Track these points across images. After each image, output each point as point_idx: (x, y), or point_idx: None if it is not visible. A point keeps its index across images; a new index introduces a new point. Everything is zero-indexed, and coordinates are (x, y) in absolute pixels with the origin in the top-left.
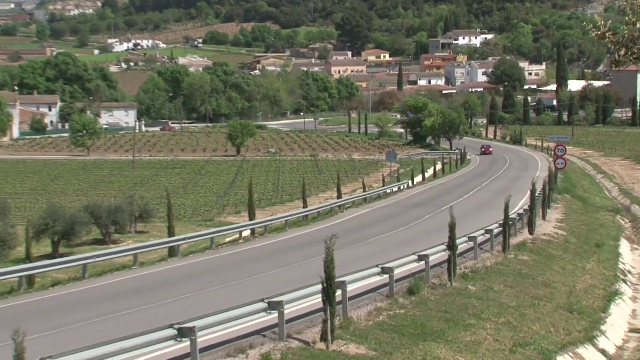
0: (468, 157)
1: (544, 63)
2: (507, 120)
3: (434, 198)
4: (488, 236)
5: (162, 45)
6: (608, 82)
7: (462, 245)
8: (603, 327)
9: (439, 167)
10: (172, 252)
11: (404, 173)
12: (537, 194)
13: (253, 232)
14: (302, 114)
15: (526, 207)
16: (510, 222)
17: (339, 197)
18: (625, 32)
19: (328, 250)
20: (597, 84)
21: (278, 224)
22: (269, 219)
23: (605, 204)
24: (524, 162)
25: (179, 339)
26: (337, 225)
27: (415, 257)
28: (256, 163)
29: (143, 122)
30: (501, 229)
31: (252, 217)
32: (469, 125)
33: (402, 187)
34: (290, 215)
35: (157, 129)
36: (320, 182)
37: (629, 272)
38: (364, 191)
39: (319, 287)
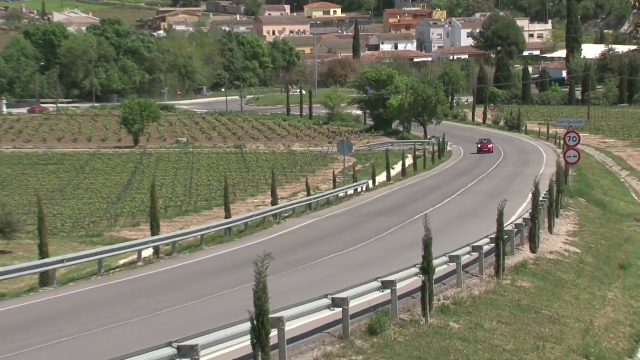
0: (448, 148)
1: (550, 21)
2: (501, 99)
3: (402, 204)
4: (476, 255)
5: None
6: (635, 47)
7: (441, 267)
8: None
9: (409, 161)
10: (45, 280)
11: (363, 170)
12: (541, 198)
13: (157, 251)
14: (223, 90)
15: (527, 216)
16: (506, 237)
17: (274, 203)
18: None
19: (259, 275)
20: (621, 49)
21: (191, 239)
22: (179, 232)
23: (631, 211)
24: (524, 155)
25: None
26: (272, 241)
27: (377, 283)
28: (161, 157)
29: (4, 102)
30: (493, 245)
31: (155, 231)
32: (449, 104)
33: (360, 189)
34: (208, 228)
35: (24, 110)
36: (248, 182)
37: None
38: (308, 195)
39: (247, 325)
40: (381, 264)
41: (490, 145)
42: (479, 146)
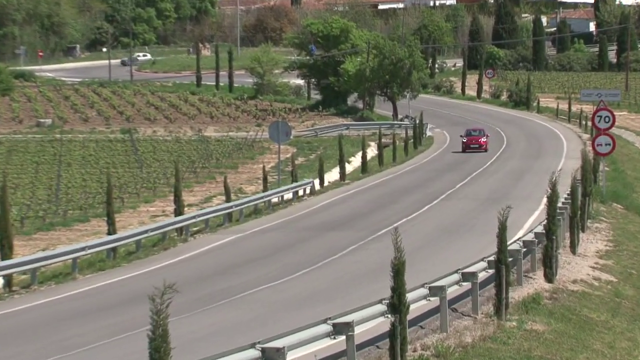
0: (428, 133)
1: None
2: (503, 62)
3: (363, 213)
4: (467, 286)
5: None
6: None
7: (418, 303)
8: None
9: (372, 152)
10: None
11: (306, 164)
12: (559, 204)
13: (8, 282)
14: (104, 49)
15: (539, 230)
16: (510, 259)
17: (179, 212)
18: None
19: (157, 316)
20: None
21: (59, 265)
22: (40, 255)
23: None
24: (535, 142)
25: None
26: (177, 266)
27: (327, 327)
28: (14, 146)
29: None
30: (492, 271)
31: (5, 252)
32: (428, 71)
33: (302, 192)
34: (83, 249)
35: None
36: (141, 182)
37: None
38: (228, 201)
39: None
40: (333, 299)
41: (483, 139)
42: (465, 141)
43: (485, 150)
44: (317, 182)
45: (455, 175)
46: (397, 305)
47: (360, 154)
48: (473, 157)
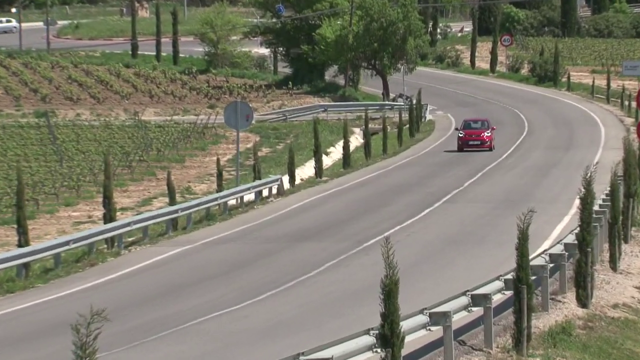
0: (428, 116)
1: None
2: (523, 26)
3: (344, 219)
4: (478, 311)
5: None
6: None
7: (416, 334)
8: None
9: (356, 141)
10: None
11: (272, 157)
12: (596, 208)
13: None
14: (13, 10)
15: (570, 240)
16: (533, 277)
17: (109, 217)
18: None
19: (82, 351)
20: None
21: None
22: None
23: None
24: (565, 128)
25: None
26: (107, 287)
27: None
28: None
29: None
30: (510, 293)
31: None
32: (428, 37)
33: (268, 192)
34: None
35: None
36: (61, 179)
37: None
38: (172, 203)
39: None
40: (306, 329)
41: (486, 133)
42: (462, 135)
43: (490, 149)
44: (286, 179)
45: (463, 170)
46: (388, 336)
47: (341, 143)
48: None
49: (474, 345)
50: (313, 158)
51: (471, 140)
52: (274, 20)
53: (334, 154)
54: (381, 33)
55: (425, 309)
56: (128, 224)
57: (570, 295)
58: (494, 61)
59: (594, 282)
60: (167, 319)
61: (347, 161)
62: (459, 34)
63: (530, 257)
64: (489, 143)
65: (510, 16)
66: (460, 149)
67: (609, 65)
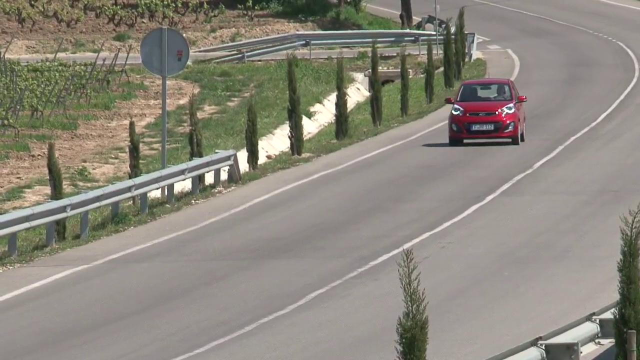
0: (475, 53)
1: None
2: None
3: (335, 222)
4: None
5: None
6: None
7: None
8: None
9: (357, 95)
10: None
11: (219, 120)
12: None
13: None
14: None
15: None
16: None
17: None
18: None
19: None
20: None
21: None
22: None
23: None
24: None
25: None
26: None
27: None
28: None
29: None
30: (609, 342)
31: None
32: None
33: (213, 178)
34: None
35: None
36: None
37: None
38: (57, 197)
39: None
40: None
41: (506, 111)
42: (458, 114)
43: (514, 139)
44: (243, 157)
45: (532, 141)
46: None
47: (333, 98)
48: (567, 110)
49: None
50: (287, 123)
51: (476, 122)
52: None
53: (322, 115)
54: None
55: None
56: None
57: None
58: None
59: None
60: None
61: (342, 128)
62: None
63: None
64: (511, 129)
65: None
66: (455, 138)
67: None
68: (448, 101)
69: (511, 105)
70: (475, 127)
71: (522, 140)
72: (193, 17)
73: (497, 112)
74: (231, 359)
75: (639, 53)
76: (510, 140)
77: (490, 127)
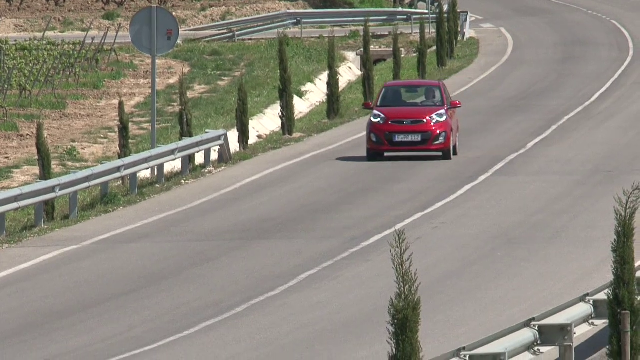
0: (469, 32)
1: None
2: None
3: (327, 202)
4: (549, 352)
5: None
6: None
7: None
8: None
9: (349, 74)
10: None
11: (209, 99)
12: None
13: None
14: None
15: None
16: None
17: None
18: None
19: None
20: None
21: None
22: None
23: None
24: None
25: None
26: None
27: None
28: None
29: None
30: (603, 323)
31: None
32: None
33: (204, 158)
34: None
35: None
36: None
37: None
38: (45, 177)
39: None
40: None
41: (435, 118)
42: (378, 121)
43: (446, 152)
44: (234, 137)
45: (526, 121)
46: None
47: (325, 77)
48: (561, 89)
49: None
50: (278, 102)
51: (399, 131)
52: None
53: (314, 94)
54: None
55: (463, 349)
56: None
57: None
58: None
59: None
60: None
61: (334, 107)
62: None
63: (638, 265)
64: (442, 140)
65: None
66: (373, 154)
67: None
68: (366, 106)
69: (442, 111)
70: (399, 138)
71: (455, 153)
72: None
73: (425, 120)
74: (222, 340)
75: (634, 32)
76: (440, 154)
77: (417, 137)
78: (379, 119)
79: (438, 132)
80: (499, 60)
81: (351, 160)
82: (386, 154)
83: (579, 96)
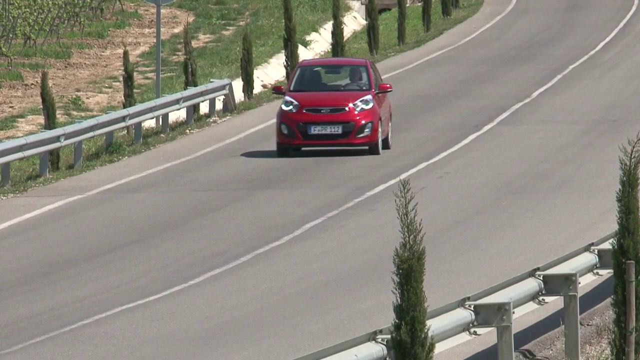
0: None
1: None
2: None
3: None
4: (554, 302)
5: None
6: None
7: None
8: None
9: (353, 23)
10: None
11: (214, 49)
12: None
13: None
14: None
15: None
16: None
17: None
18: None
19: None
20: None
21: None
22: None
23: None
24: None
25: None
26: None
27: None
28: None
29: None
30: (607, 272)
31: None
32: None
33: (208, 108)
34: None
35: None
36: None
37: None
38: (50, 127)
39: None
40: (269, 334)
41: (359, 106)
42: (290, 109)
43: (372, 145)
44: (238, 86)
45: (531, 70)
46: (407, 343)
47: (330, 27)
48: (566, 38)
49: (549, 358)
50: (283, 51)
51: (317, 122)
52: None
53: (319, 44)
54: None
55: (467, 299)
56: None
57: None
58: None
59: None
60: (38, 319)
61: (339, 57)
62: None
63: None
64: (368, 132)
65: None
66: (284, 149)
67: None
68: (277, 90)
69: (369, 97)
70: (315, 130)
71: (387, 147)
72: None
73: (347, 108)
74: (226, 290)
75: None
76: (366, 147)
77: (337, 129)
78: (291, 107)
79: (363, 122)
80: (504, 10)
81: None
82: (303, 149)
83: (583, 45)
